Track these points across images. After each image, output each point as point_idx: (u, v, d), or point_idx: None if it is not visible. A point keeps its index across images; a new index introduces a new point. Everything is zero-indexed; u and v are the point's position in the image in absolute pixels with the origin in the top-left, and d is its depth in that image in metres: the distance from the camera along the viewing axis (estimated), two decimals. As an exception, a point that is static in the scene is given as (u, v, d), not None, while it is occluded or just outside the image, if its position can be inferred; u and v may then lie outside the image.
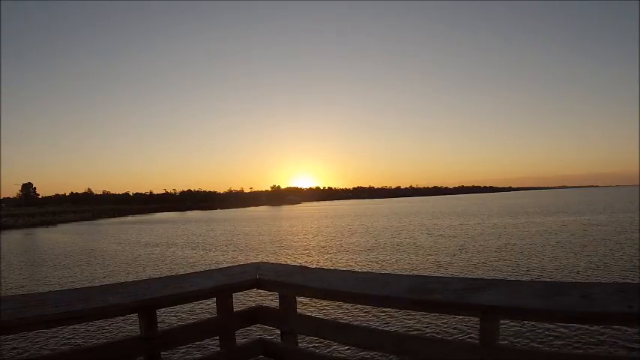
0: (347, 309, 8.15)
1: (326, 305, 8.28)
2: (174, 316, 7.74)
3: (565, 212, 38.47)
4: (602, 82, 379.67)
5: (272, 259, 16.92)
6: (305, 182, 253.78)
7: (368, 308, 7.81)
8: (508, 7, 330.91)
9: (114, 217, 69.60)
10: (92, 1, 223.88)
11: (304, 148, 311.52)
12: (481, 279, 1.65)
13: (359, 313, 7.96)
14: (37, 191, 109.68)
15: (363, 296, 1.72)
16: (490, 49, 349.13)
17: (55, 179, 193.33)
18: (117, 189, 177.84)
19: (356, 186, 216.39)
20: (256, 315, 2.08)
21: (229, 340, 1.94)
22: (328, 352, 5.02)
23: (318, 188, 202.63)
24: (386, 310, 7.42)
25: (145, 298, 1.69)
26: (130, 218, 65.15)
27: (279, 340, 2.01)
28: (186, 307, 8.09)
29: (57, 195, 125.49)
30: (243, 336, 2.21)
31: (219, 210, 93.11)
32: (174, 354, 5.71)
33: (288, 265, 2.46)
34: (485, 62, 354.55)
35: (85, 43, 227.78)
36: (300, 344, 2.00)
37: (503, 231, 23.71)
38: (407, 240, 21.37)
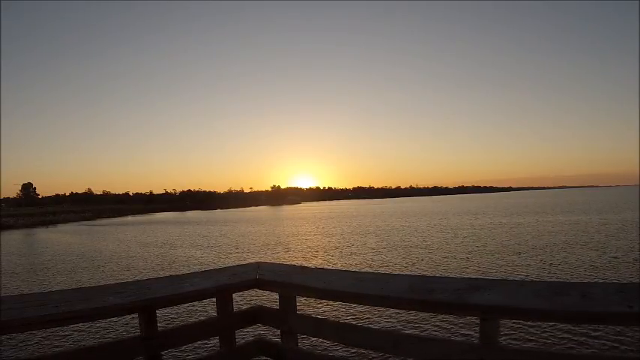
0: (347, 309, 8.16)
1: (326, 305, 8.29)
2: (174, 316, 7.74)
3: (565, 212, 38.47)
4: (602, 82, 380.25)
5: (272, 259, 16.92)
6: (305, 182, 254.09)
7: (368, 308, 7.81)
8: (508, 7, 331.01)
9: (114, 217, 69.53)
10: (92, 1, 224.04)
11: (304, 148, 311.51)
12: (481, 279, 1.65)
13: (359, 313, 7.96)
14: (37, 191, 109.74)
15: (363, 296, 1.71)
16: (490, 49, 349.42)
17: (55, 179, 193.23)
18: (117, 189, 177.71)
19: (356, 186, 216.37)
20: (256, 315, 2.08)
21: (229, 340, 1.94)
22: (328, 352, 5.02)
23: (318, 188, 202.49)
24: (386, 310, 7.42)
25: (145, 298, 1.68)
26: (130, 218, 65.14)
27: (279, 340, 2.01)
28: (186, 307, 8.09)
29: (57, 195, 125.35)
30: (243, 336, 2.21)
31: (219, 210, 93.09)
32: (174, 354, 5.70)
33: (288, 265, 2.46)
34: (485, 62, 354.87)
35: (85, 42, 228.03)
36: (300, 344, 2.00)
37: (503, 231, 23.72)
38: (407, 240, 21.37)
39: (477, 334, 1.42)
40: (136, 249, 22.66)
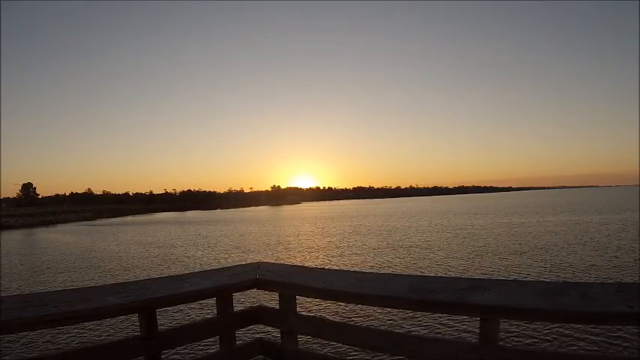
0: (347, 309, 8.16)
1: (326, 305, 8.28)
2: (175, 316, 7.74)
3: (565, 212, 38.46)
4: (602, 82, 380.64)
5: (272, 259, 16.92)
6: (305, 182, 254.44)
7: (368, 308, 7.81)
8: (508, 7, 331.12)
9: (114, 217, 69.49)
10: (92, 1, 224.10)
11: (304, 148, 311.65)
12: (481, 279, 1.65)
13: (359, 313, 7.96)
14: (37, 191, 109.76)
15: (363, 296, 1.71)
16: (490, 49, 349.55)
17: (55, 179, 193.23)
18: (117, 189, 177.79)
19: (356, 186, 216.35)
20: (256, 315, 2.08)
21: (229, 340, 1.94)
22: (328, 352, 5.01)
23: (318, 188, 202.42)
24: (386, 310, 7.42)
25: (145, 298, 1.68)
26: (130, 218, 65.11)
27: (278, 340, 2.01)
28: (186, 307, 8.09)
29: (57, 195, 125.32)
30: (243, 336, 2.21)
31: (219, 210, 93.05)
32: (174, 354, 5.70)
33: (288, 265, 2.45)
34: (485, 62, 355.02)
35: (85, 42, 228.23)
36: (300, 344, 2.00)
37: (503, 231, 23.71)
38: (407, 240, 21.37)
39: (477, 334, 1.42)
40: (136, 249, 22.65)
